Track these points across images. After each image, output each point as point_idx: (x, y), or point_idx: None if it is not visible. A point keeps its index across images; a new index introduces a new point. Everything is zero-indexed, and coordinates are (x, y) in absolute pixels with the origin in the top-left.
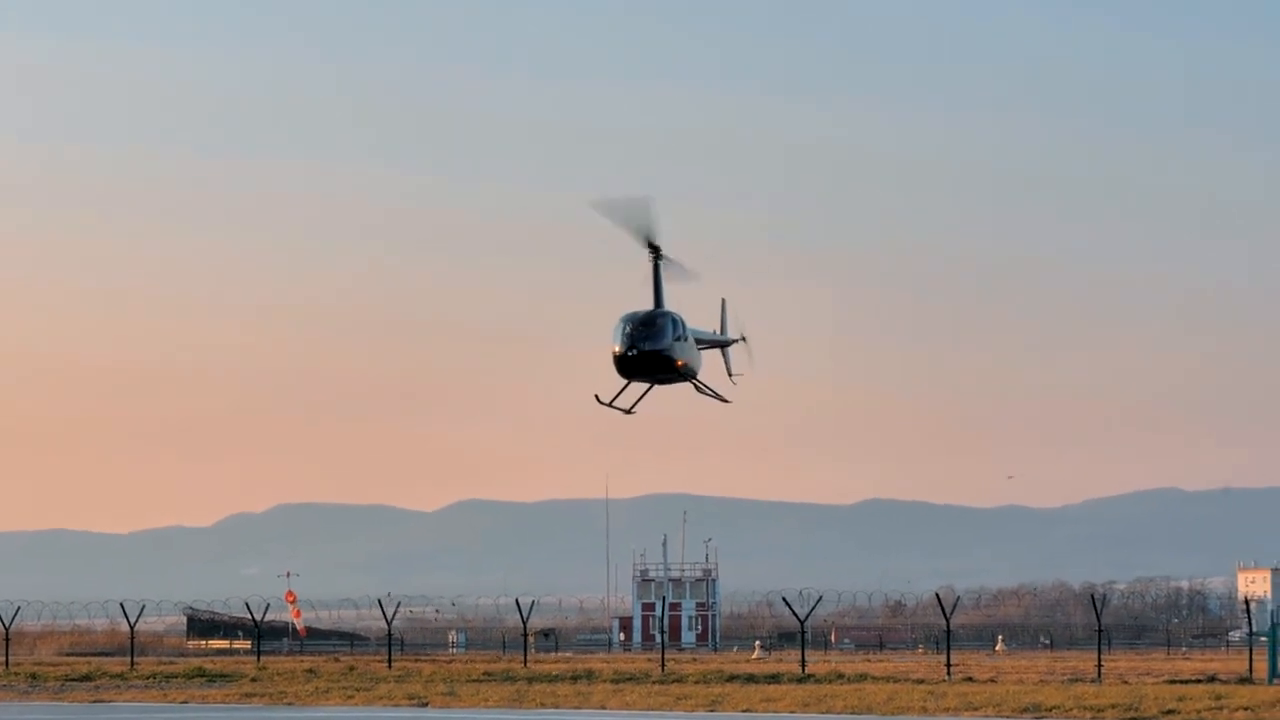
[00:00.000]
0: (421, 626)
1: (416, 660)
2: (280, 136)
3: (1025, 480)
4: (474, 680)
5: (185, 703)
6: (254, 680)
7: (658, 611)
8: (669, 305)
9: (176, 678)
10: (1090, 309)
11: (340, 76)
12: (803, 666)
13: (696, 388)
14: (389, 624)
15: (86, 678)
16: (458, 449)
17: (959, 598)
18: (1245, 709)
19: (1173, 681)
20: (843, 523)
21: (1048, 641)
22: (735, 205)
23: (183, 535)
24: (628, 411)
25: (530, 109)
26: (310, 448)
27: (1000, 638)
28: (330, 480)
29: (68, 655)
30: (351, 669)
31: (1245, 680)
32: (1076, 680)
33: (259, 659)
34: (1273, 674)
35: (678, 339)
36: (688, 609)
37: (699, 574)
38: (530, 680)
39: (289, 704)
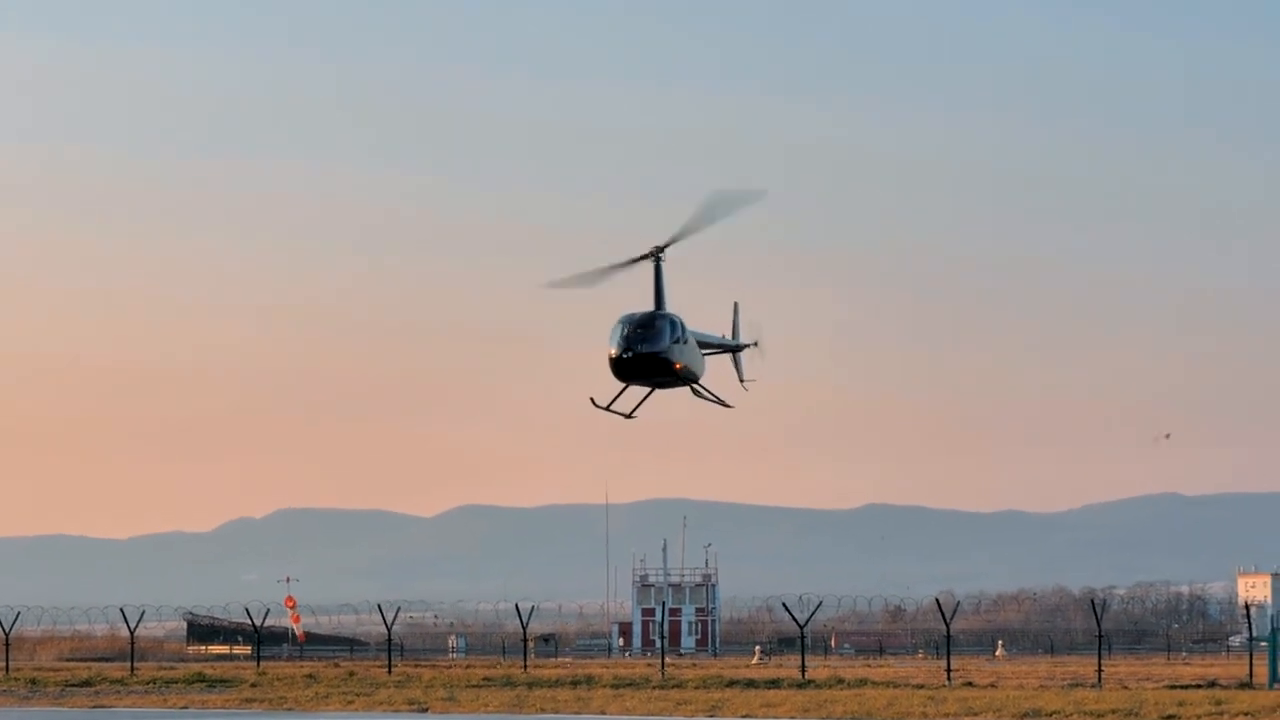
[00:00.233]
0: (421, 632)
1: (416, 666)
2: (280, 137)
3: (1024, 485)
4: (474, 685)
5: (185, 708)
6: (254, 686)
7: (657, 617)
8: (671, 308)
9: (176, 683)
10: (1090, 311)
11: (339, 77)
12: (802, 672)
13: (696, 392)
14: (389, 629)
15: (87, 683)
16: (458, 453)
17: (959, 603)
18: (1245, 714)
19: (1173, 687)
20: (842, 527)
21: (1049, 645)
22: (743, 209)
23: (182, 540)
24: (628, 416)
25: (530, 109)
26: (310, 452)
27: (1000, 643)
28: (330, 485)
29: (68, 660)
30: (351, 674)
31: (1245, 685)
32: (1077, 685)
33: (259, 664)
34: (1273, 679)
35: (676, 341)
36: (687, 614)
37: (699, 579)
38: (530, 686)
39: (289, 709)
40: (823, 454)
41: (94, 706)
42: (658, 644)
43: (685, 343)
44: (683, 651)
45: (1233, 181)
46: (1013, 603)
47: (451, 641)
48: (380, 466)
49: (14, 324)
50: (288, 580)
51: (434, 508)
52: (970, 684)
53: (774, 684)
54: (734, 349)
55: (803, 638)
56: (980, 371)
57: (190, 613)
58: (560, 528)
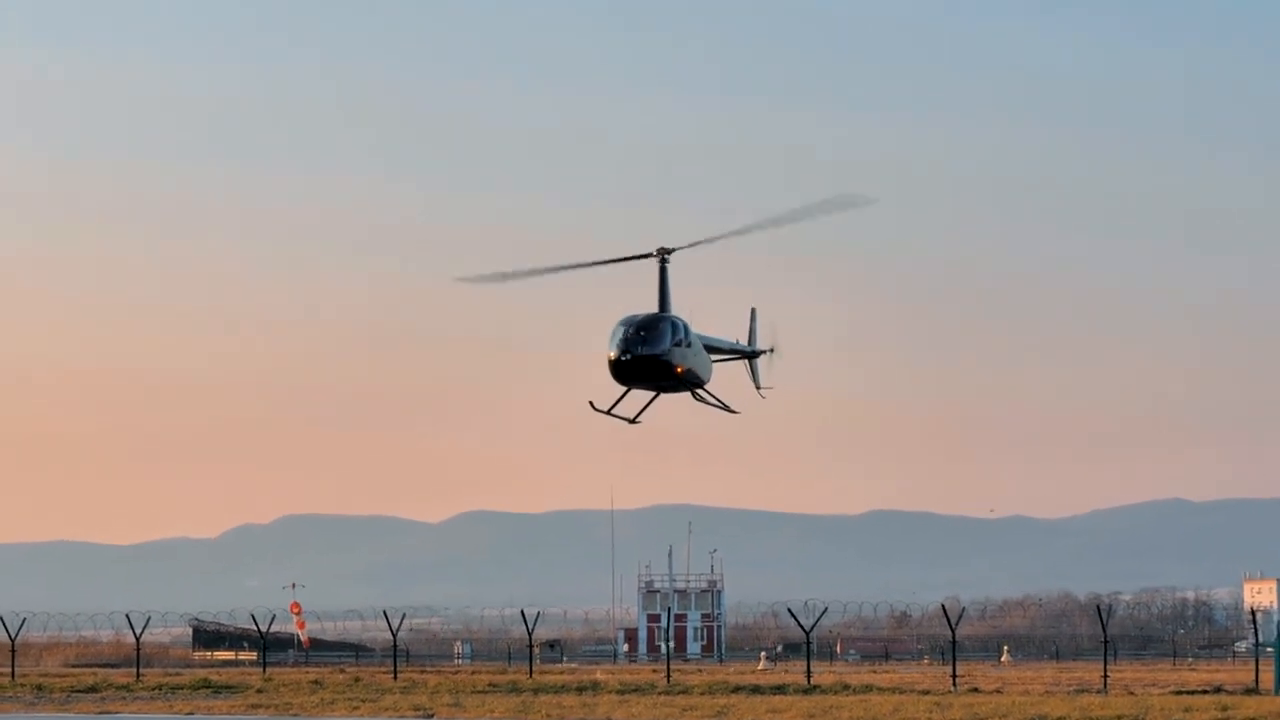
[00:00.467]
0: (427, 638)
1: (422, 671)
2: (289, 147)
3: (1030, 491)
4: (479, 691)
5: (191, 714)
6: (260, 691)
7: (663, 622)
8: (682, 312)
9: (182, 689)
10: (1096, 318)
11: (342, 87)
12: (808, 677)
13: (699, 397)
14: (394, 635)
15: (92, 689)
16: (463, 460)
17: (964, 609)
18: None
19: (1179, 692)
20: (848, 533)
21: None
22: (740, 215)
23: (188, 546)
24: (632, 421)
25: (535, 119)
26: (315, 458)
27: (1006, 648)
28: (335, 491)
29: (73, 667)
30: (357, 680)
31: (1251, 691)
32: (1082, 691)
33: (265, 670)
34: (1279, 684)
35: (677, 344)
36: (693, 620)
37: (704, 585)
38: (536, 691)
39: (294, 715)
40: (828, 460)
41: (100, 713)
42: (663, 650)
43: (689, 346)
44: (688, 657)
45: (1238, 188)
46: (1018, 608)
47: (457, 647)
48: (386, 473)
49: (21, 332)
50: (293, 586)
51: (440, 514)
52: (976, 690)
53: (779, 690)
54: (750, 355)
55: (808, 643)
56: (986, 378)
57: (196, 619)
58: (566, 534)
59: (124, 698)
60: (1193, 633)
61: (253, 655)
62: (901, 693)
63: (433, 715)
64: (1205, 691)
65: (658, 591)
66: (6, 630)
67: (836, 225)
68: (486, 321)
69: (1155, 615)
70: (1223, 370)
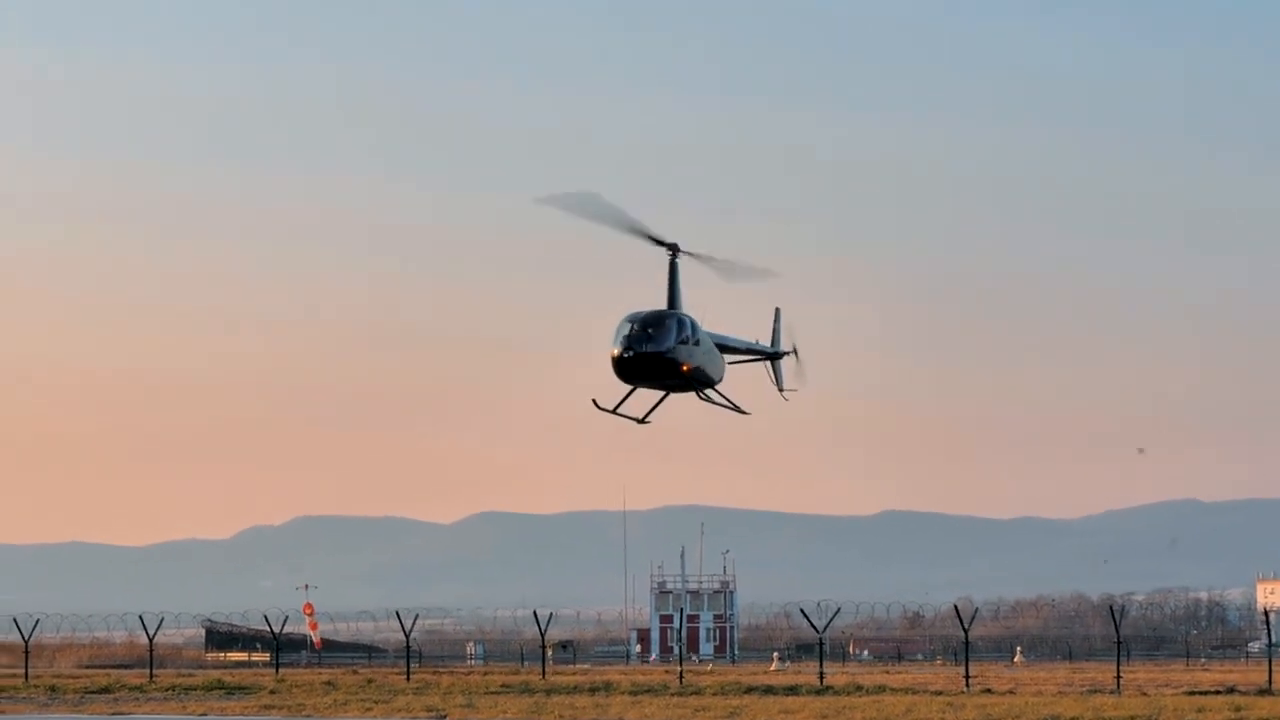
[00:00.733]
0: (440, 638)
1: (435, 672)
2: (299, 148)
3: (1043, 492)
4: (492, 692)
5: (204, 715)
6: (273, 693)
7: (676, 623)
8: (697, 311)
9: (195, 690)
10: (1108, 319)
11: (344, 89)
12: (821, 678)
13: (708, 397)
14: (407, 636)
15: (106, 690)
16: (475, 461)
17: (977, 609)
18: None
19: (1192, 693)
20: (860, 534)
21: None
22: (747, 218)
23: (201, 547)
24: (641, 421)
25: (535, 119)
26: (328, 460)
27: (1019, 649)
28: (348, 492)
29: (87, 668)
30: (370, 681)
31: (1265, 692)
32: (1095, 691)
33: (277, 671)
34: None
35: (683, 341)
36: (705, 621)
37: (717, 586)
38: (548, 692)
39: (308, 716)
40: (840, 461)
41: (113, 713)
42: (676, 650)
43: (697, 344)
44: (701, 658)
45: (1251, 188)
46: (1031, 609)
47: (469, 648)
48: (398, 474)
49: (33, 334)
50: (305, 587)
51: (452, 515)
52: (989, 690)
53: (792, 690)
54: (771, 356)
55: (821, 644)
56: (997, 378)
57: (209, 620)
58: (578, 534)
59: (137, 699)
60: (1206, 633)
61: (265, 656)
62: (914, 693)
63: (446, 716)
64: (1218, 692)
65: (670, 592)
66: (20, 631)
67: (847, 229)
68: (498, 321)
69: (1168, 616)
70: (1237, 370)
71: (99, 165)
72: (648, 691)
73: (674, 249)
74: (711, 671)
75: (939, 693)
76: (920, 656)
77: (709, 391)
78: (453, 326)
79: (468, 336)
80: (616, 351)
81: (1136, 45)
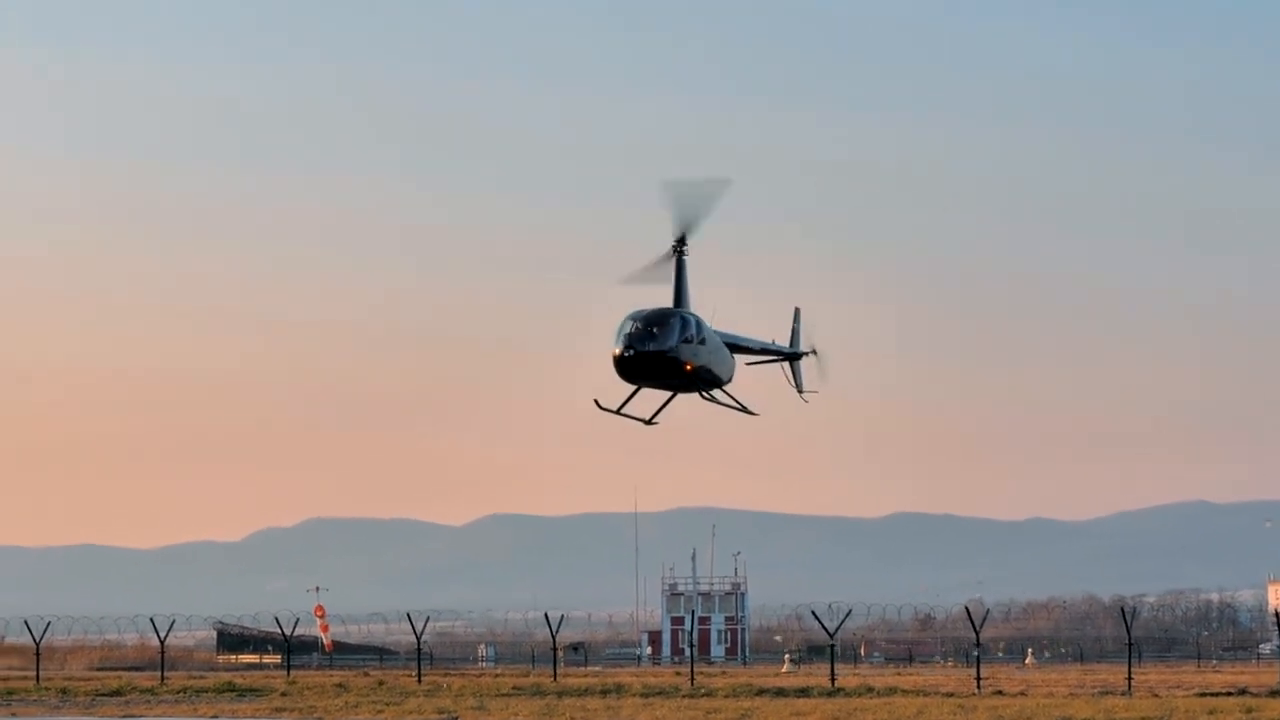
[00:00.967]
0: (451, 641)
1: (446, 674)
2: (312, 152)
3: (1054, 494)
4: (503, 694)
5: (215, 717)
6: (284, 695)
7: (687, 625)
8: (709, 308)
9: (207, 692)
10: (1119, 322)
11: (345, 90)
12: (832, 680)
13: (713, 398)
14: (418, 638)
15: (117, 693)
16: (486, 463)
17: (988, 611)
18: None
19: (1203, 694)
20: (871, 536)
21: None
22: (757, 220)
23: (212, 550)
24: (648, 422)
25: (536, 119)
26: (339, 462)
27: (1030, 651)
28: (359, 494)
29: (98, 670)
30: (381, 683)
31: (1276, 693)
32: (1107, 693)
33: (289, 673)
34: None
35: (687, 340)
36: (717, 623)
37: (728, 587)
38: (560, 694)
39: (319, 718)
40: (851, 463)
41: (124, 716)
42: (687, 652)
43: (702, 343)
44: (712, 660)
45: (1261, 193)
46: (1043, 611)
47: (481, 650)
48: (409, 476)
49: (44, 337)
50: (317, 589)
51: (463, 517)
52: (1000, 692)
53: (804, 692)
54: (789, 356)
55: (832, 646)
56: (1009, 381)
57: (220, 622)
58: (589, 536)
59: (148, 701)
60: (1217, 635)
61: (277, 658)
62: (926, 695)
63: (457, 718)
64: (1230, 693)
65: (681, 594)
66: (31, 634)
67: (856, 231)
68: (511, 325)
69: (1180, 617)
70: (1248, 372)
71: (106, 166)
72: (659, 693)
73: (680, 243)
74: (724, 673)
75: (950, 694)
76: (938, 659)
77: (715, 392)
78: (465, 327)
79: (480, 337)
80: (617, 350)
81: (1136, 45)
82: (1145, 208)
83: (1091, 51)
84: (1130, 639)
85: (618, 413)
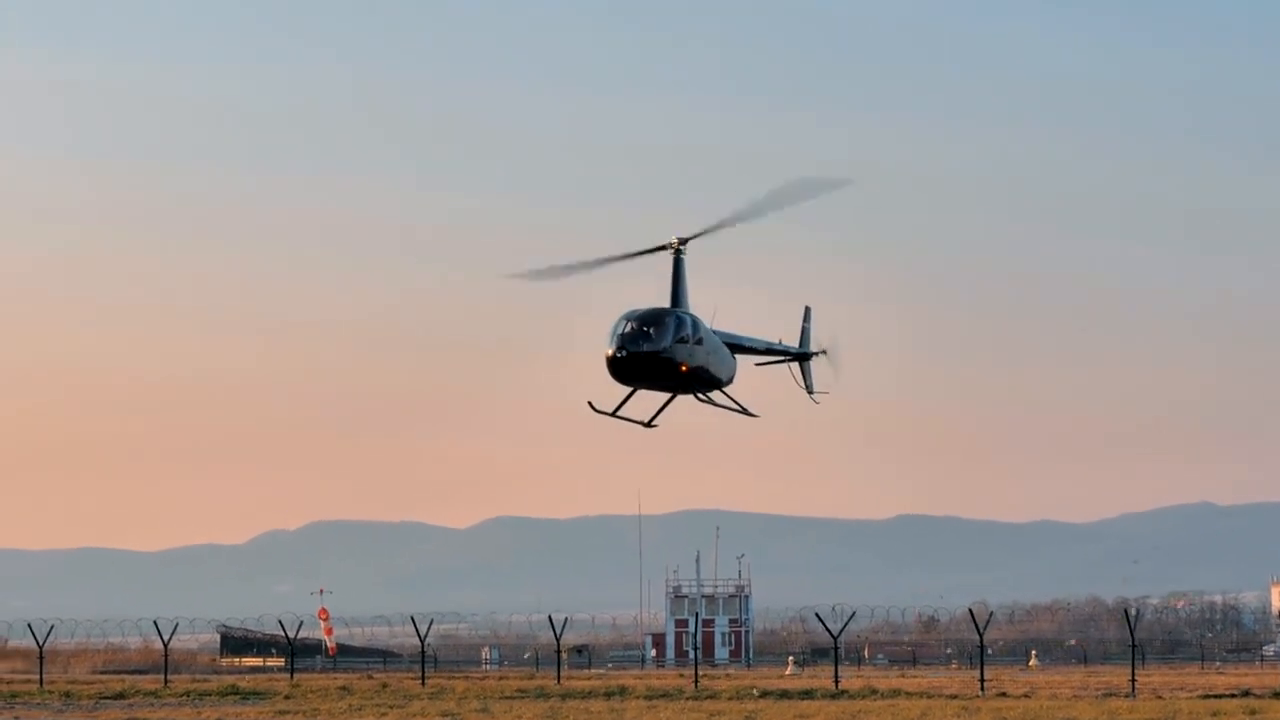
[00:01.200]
0: (455, 643)
1: (450, 677)
2: (318, 154)
3: (1058, 496)
4: (507, 697)
5: None
6: (287, 698)
7: (691, 628)
8: (705, 307)
9: (210, 695)
10: (1124, 323)
11: (346, 91)
12: (836, 682)
13: (710, 399)
14: (422, 641)
15: (120, 696)
16: (490, 465)
17: (992, 613)
18: None
19: (1207, 696)
20: (875, 538)
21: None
22: (763, 221)
23: (215, 552)
24: (647, 425)
25: (536, 120)
26: (343, 465)
27: (1034, 653)
28: (363, 497)
29: (102, 673)
30: (385, 686)
31: (1279, 695)
32: (1110, 695)
33: (292, 676)
34: None
35: (682, 340)
36: (721, 625)
37: (732, 590)
38: (564, 697)
39: None
40: (856, 465)
41: (128, 719)
42: (691, 655)
43: (699, 343)
44: (716, 662)
45: (1262, 195)
46: (1046, 613)
47: (484, 653)
48: (413, 479)
49: (49, 340)
50: (320, 592)
51: (467, 519)
52: (1004, 694)
53: (807, 694)
54: (797, 356)
55: (836, 648)
56: (1014, 384)
57: (223, 625)
58: (593, 539)
59: (152, 704)
60: (1221, 636)
61: (280, 661)
62: (929, 697)
63: None
64: (1233, 695)
65: (685, 596)
66: (35, 637)
67: (860, 232)
68: (514, 327)
69: (1183, 619)
70: (1252, 374)
71: (107, 166)
72: (663, 696)
73: (679, 244)
74: (728, 675)
75: (954, 697)
76: (936, 661)
77: (716, 393)
78: (469, 330)
79: (484, 340)
80: (610, 351)
81: (1137, 45)
82: (1159, 210)
83: (1091, 52)
84: (1134, 641)
85: (613, 415)
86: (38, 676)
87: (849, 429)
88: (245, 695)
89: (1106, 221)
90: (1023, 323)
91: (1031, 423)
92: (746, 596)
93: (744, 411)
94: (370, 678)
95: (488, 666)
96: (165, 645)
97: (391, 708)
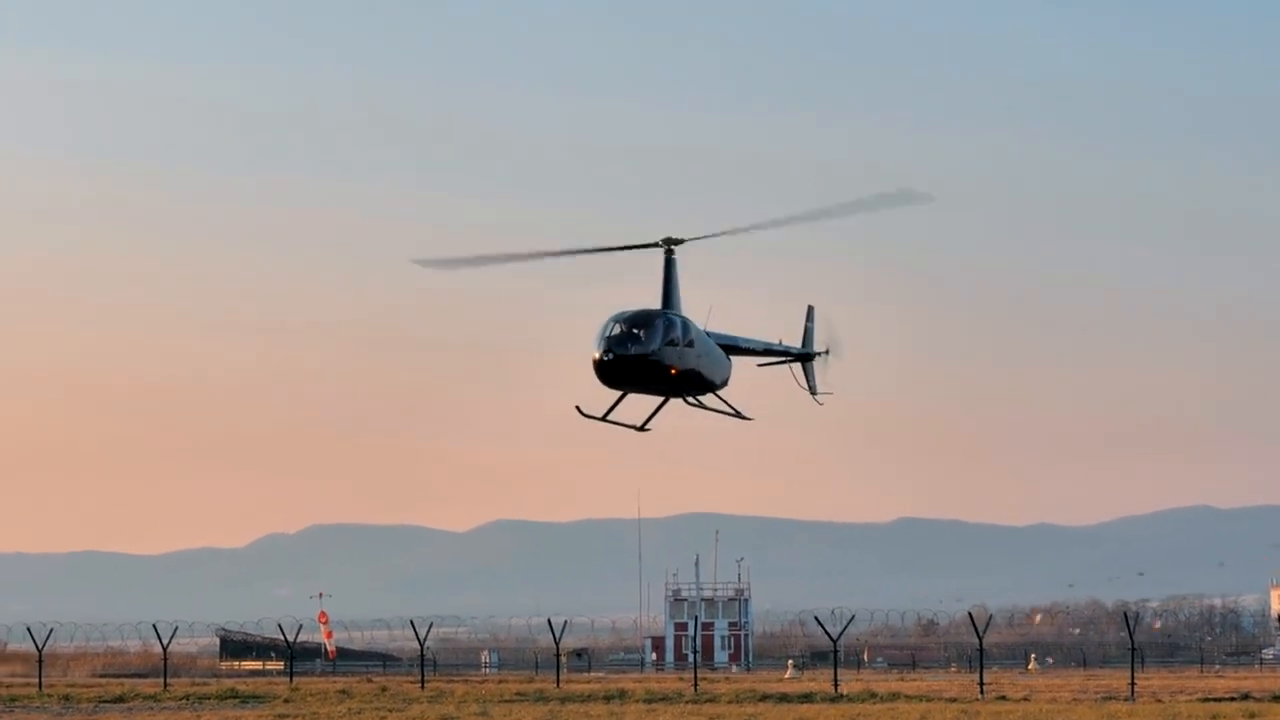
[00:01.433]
0: (454, 647)
1: (449, 681)
2: (319, 154)
3: (1058, 499)
4: (507, 701)
5: None
6: (287, 701)
7: (690, 631)
8: (699, 307)
9: (210, 699)
10: (1123, 326)
11: (346, 92)
12: (835, 686)
13: (699, 403)
14: (421, 645)
15: (120, 699)
16: (490, 469)
17: (992, 616)
18: None
19: (1206, 700)
20: (875, 542)
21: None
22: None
23: (215, 556)
24: (640, 429)
25: (536, 120)
26: (342, 468)
27: (1033, 656)
28: (362, 500)
29: (101, 677)
30: (384, 690)
31: (1279, 698)
32: (1110, 699)
33: (292, 680)
34: None
35: (671, 343)
36: (720, 628)
37: (731, 593)
38: (563, 700)
39: None
40: (856, 468)
41: None
42: (690, 658)
43: (690, 345)
44: (716, 666)
45: (1263, 196)
46: (1046, 616)
47: (484, 656)
48: (412, 482)
49: (47, 342)
50: (320, 596)
51: (466, 523)
52: (1003, 698)
53: (807, 698)
54: (799, 357)
55: (835, 652)
56: (1013, 387)
57: (223, 629)
58: (592, 542)
59: (151, 708)
60: (1220, 640)
61: (280, 665)
62: (929, 701)
63: None
64: (1233, 699)
65: (685, 600)
66: (34, 640)
67: (858, 233)
68: (514, 330)
69: (1183, 623)
70: (1251, 376)
71: (107, 167)
72: (663, 699)
73: (669, 244)
74: (727, 679)
75: (954, 700)
76: (935, 664)
77: (709, 396)
78: (469, 332)
79: (484, 342)
80: (597, 355)
81: (1137, 46)
82: (1160, 210)
83: (1091, 52)
84: (1133, 644)
85: (603, 420)
86: (37, 680)
87: (848, 431)
88: (244, 699)
89: (1106, 221)
90: (1021, 326)
91: (1030, 424)
92: (746, 600)
93: (737, 415)
94: (370, 681)
95: (487, 670)
96: (164, 649)
97: (391, 711)
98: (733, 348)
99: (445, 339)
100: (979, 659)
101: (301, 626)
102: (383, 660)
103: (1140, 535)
